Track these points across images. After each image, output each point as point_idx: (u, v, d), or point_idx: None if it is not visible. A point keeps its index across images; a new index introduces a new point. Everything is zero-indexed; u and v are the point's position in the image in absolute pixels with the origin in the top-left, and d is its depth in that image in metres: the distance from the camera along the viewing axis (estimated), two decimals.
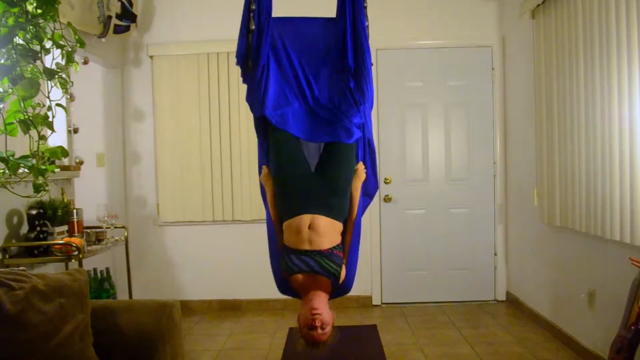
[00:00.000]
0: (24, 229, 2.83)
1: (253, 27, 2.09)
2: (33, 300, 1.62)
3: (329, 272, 1.81)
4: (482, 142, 4.45)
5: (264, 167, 2.13)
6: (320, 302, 1.81)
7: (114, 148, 4.31)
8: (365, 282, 4.43)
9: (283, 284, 1.98)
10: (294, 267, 1.82)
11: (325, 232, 1.86)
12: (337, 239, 1.91)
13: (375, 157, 2.16)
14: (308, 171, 2.00)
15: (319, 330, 1.78)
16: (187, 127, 4.36)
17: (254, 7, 2.09)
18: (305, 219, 1.87)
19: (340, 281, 1.88)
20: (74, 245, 2.77)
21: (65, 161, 3.27)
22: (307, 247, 1.84)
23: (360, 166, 2.07)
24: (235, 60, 2.23)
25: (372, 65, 2.19)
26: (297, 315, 1.92)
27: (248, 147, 4.31)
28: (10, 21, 1.88)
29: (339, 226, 1.93)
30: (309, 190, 1.93)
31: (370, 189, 2.15)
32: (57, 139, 2.98)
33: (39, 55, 2.01)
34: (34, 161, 2.04)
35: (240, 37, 2.13)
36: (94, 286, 3.34)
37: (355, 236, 1.99)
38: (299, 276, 1.82)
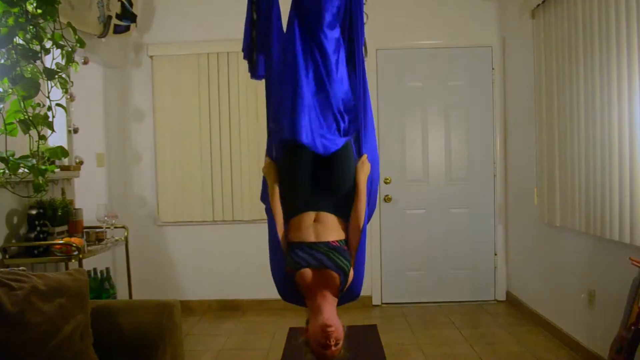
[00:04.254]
0: (24, 229, 2.82)
1: (255, 17, 2.02)
2: (33, 300, 1.62)
3: (338, 266, 1.72)
4: (482, 142, 4.44)
5: (266, 157, 2.05)
6: (333, 315, 1.72)
7: (114, 148, 4.31)
8: (365, 282, 4.33)
9: (286, 289, 1.87)
10: (300, 261, 1.72)
11: (330, 225, 1.84)
12: (343, 234, 1.87)
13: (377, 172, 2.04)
14: (312, 175, 1.95)
15: (333, 348, 1.68)
16: (187, 127, 4.36)
17: None
18: (311, 214, 1.86)
19: (349, 282, 1.80)
20: (74, 245, 2.76)
21: (65, 161, 3.26)
22: (313, 238, 1.79)
23: (364, 158, 1.99)
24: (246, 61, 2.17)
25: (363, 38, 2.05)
26: (303, 323, 1.80)
27: (248, 147, 4.31)
28: (10, 21, 1.88)
29: (343, 223, 1.90)
30: (314, 192, 1.92)
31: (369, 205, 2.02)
32: (57, 139, 2.97)
33: (39, 55, 2.01)
34: (34, 161, 2.05)
35: (245, 31, 2.08)
36: (94, 286, 3.33)
37: (362, 238, 1.90)
38: (307, 273, 1.71)
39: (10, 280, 1.62)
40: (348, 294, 1.85)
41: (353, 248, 1.86)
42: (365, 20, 2.11)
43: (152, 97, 4.39)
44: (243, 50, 2.11)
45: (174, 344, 2.05)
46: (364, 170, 1.95)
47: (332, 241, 1.79)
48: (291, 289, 1.82)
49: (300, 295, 1.82)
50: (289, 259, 1.80)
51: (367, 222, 1.94)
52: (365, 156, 1.99)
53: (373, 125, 2.07)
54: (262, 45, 2.05)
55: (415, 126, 4.47)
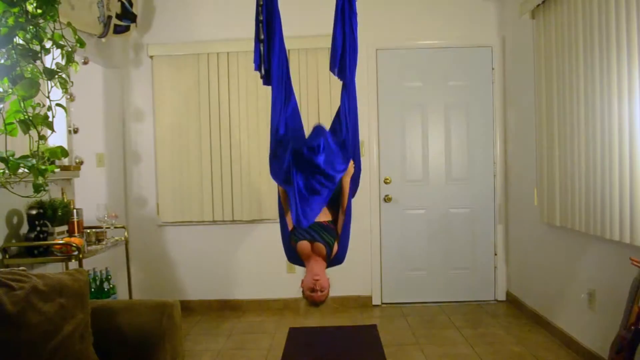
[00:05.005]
0: (24, 229, 2.82)
1: (262, 37, 2.39)
2: (33, 300, 1.62)
3: (324, 240, 2.31)
4: (482, 142, 4.45)
5: None
6: (320, 270, 2.30)
7: (114, 148, 4.31)
8: (365, 282, 4.43)
9: (291, 255, 2.44)
10: (299, 236, 2.33)
11: (322, 210, 2.38)
12: (330, 217, 2.42)
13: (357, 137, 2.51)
14: None
15: (319, 293, 2.26)
16: (187, 127, 4.36)
17: (261, 18, 2.37)
18: None
19: (334, 253, 2.35)
20: (74, 245, 2.77)
21: (65, 161, 3.26)
22: None
23: (350, 164, 2.40)
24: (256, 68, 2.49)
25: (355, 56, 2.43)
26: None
27: (248, 148, 4.31)
28: (10, 21, 1.88)
29: (331, 209, 2.43)
30: None
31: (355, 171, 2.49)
32: (57, 139, 2.98)
33: (39, 55, 2.00)
34: (34, 161, 2.04)
35: (255, 46, 2.44)
36: (94, 286, 3.34)
37: (347, 219, 2.40)
38: (304, 243, 2.31)
39: (10, 280, 1.62)
40: (335, 260, 2.41)
41: (339, 227, 2.41)
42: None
43: (152, 97, 4.40)
44: (254, 62, 2.45)
45: (174, 344, 2.06)
46: (348, 172, 2.41)
47: (323, 221, 2.35)
48: (294, 255, 2.40)
49: (300, 259, 2.40)
50: (292, 235, 2.37)
51: (352, 197, 2.46)
52: (351, 162, 2.42)
53: (357, 138, 2.51)
54: (268, 61, 2.44)
55: (415, 126, 4.47)
